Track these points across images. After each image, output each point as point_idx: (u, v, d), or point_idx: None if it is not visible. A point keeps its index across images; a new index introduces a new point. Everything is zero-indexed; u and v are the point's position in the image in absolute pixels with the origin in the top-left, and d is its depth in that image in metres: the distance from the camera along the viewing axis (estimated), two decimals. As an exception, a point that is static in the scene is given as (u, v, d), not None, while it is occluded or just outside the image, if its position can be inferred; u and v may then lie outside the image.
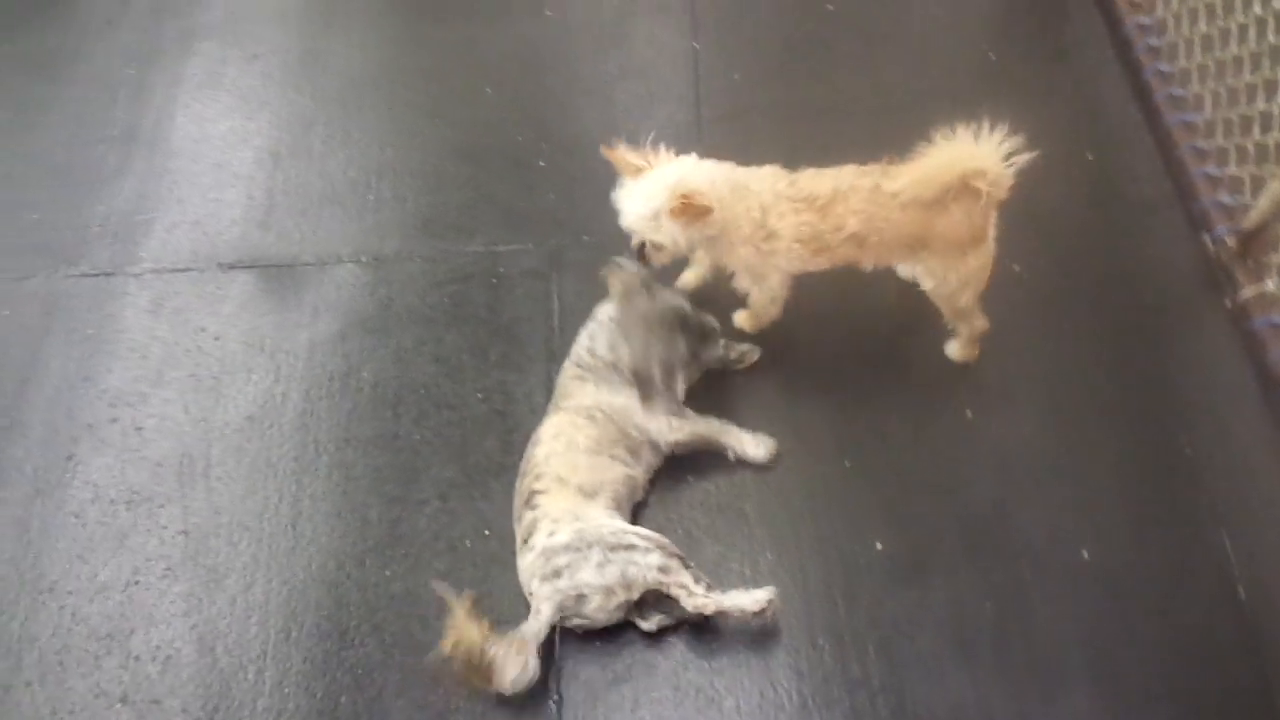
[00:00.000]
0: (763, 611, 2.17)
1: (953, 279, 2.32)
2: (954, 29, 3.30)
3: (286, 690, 2.24)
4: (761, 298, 2.49)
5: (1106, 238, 2.79)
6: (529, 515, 2.25)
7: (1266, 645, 2.19)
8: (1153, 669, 2.18)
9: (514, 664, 2.10)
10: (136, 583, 2.39)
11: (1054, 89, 3.10)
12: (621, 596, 2.14)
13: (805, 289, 2.50)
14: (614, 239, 2.75)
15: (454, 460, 2.51)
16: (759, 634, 2.23)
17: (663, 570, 2.13)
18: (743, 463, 2.44)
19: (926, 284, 2.38)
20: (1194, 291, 2.69)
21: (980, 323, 2.48)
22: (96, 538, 2.46)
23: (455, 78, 3.20)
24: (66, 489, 2.52)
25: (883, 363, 2.60)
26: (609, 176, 2.28)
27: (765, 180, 2.28)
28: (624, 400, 2.39)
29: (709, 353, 2.49)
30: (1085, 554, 2.31)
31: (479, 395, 2.61)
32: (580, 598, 2.14)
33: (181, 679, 2.26)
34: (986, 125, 2.10)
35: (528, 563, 2.21)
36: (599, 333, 2.44)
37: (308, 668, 2.26)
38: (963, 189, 2.16)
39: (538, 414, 2.53)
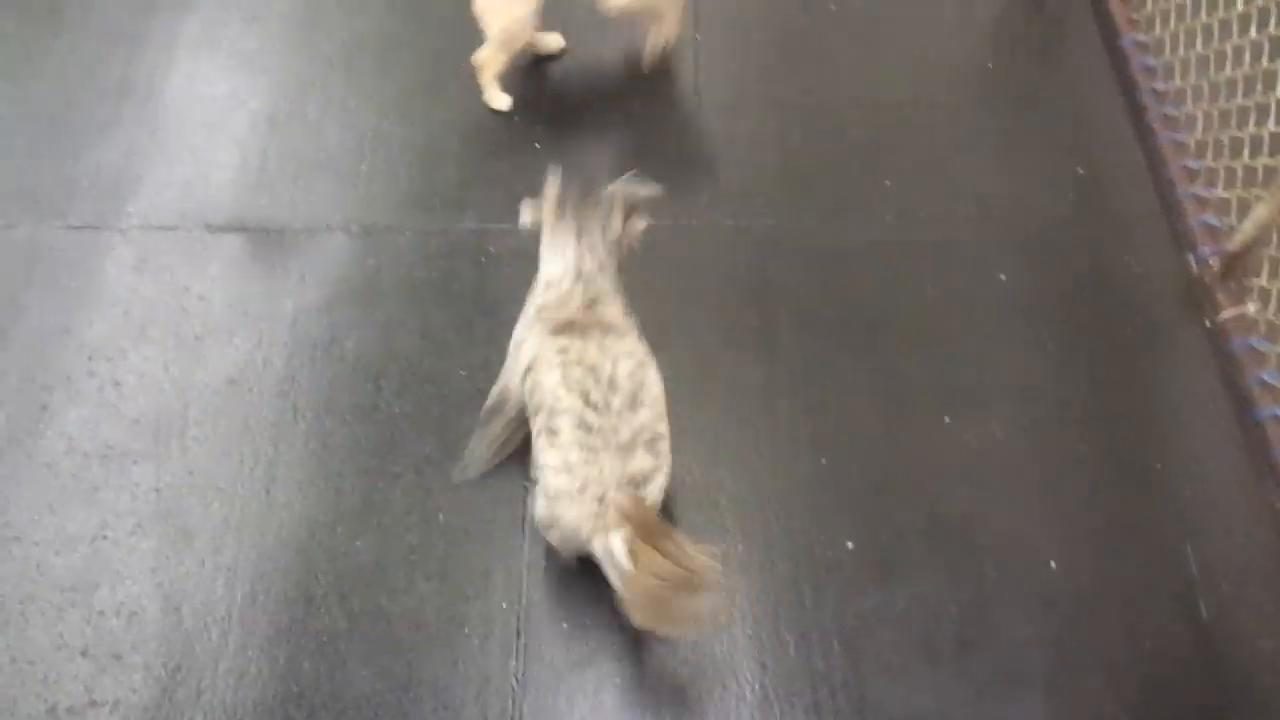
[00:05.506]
0: None
1: None
2: (954, 36, 3.31)
3: (250, 653, 2.24)
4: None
5: (1091, 251, 2.81)
6: (649, 460, 2.00)
7: (1224, 660, 2.22)
8: (1111, 681, 2.20)
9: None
10: (104, 537, 2.38)
11: (1048, 100, 3.12)
12: None
13: (784, 286, 2.50)
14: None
15: (432, 434, 2.51)
16: (725, 626, 2.24)
17: None
18: (703, 452, 2.45)
19: None
20: (1174, 309, 2.72)
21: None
22: (67, 490, 2.44)
23: (456, 53, 3.17)
24: (39, 439, 2.51)
25: (863, 362, 2.61)
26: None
27: None
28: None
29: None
30: (1052, 564, 2.34)
31: (462, 372, 2.60)
32: None
33: (144, 635, 2.26)
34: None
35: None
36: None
37: (272, 632, 2.26)
38: None
39: (518, 393, 2.54)
